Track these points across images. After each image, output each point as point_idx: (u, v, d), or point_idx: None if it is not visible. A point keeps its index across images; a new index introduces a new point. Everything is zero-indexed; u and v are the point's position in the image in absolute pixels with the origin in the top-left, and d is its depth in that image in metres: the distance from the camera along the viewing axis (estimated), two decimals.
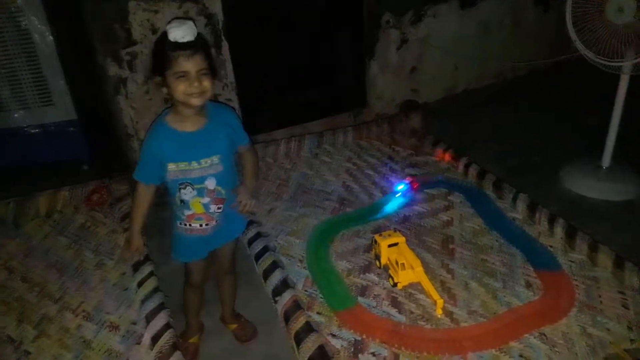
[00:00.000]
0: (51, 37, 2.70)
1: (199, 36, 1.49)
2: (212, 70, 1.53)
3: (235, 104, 2.98)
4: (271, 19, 2.98)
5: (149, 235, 1.92)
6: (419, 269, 1.82)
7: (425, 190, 2.44)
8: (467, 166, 2.56)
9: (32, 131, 2.89)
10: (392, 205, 2.34)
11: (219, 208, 1.64)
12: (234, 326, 1.91)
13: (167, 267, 1.98)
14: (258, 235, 2.10)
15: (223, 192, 1.63)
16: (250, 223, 2.13)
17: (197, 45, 1.47)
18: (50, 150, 2.93)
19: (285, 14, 3.03)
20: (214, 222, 1.65)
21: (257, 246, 2.04)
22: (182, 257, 1.70)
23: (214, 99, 1.87)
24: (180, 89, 1.46)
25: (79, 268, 1.98)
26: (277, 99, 3.20)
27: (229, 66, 2.88)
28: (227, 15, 2.79)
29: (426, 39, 3.47)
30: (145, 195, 1.63)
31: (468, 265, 1.95)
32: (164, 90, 1.54)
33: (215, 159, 1.60)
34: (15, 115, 2.84)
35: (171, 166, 1.56)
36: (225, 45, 2.83)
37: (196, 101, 1.50)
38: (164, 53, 1.46)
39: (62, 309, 1.80)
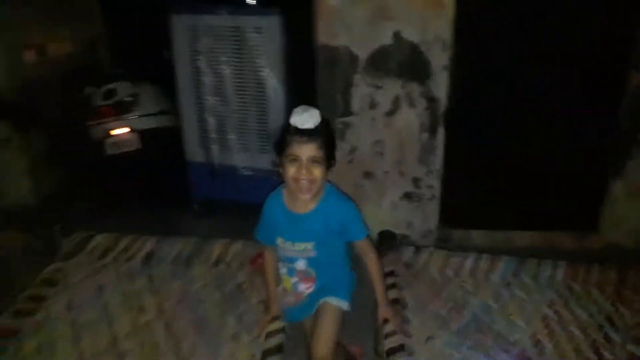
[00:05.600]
0: (283, 94, 2.86)
1: (321, 125, 1.54)
2: (328, 161, 1.58)
3: (436, 191, 2.73)
4: (499, 111, 2.62)
5: None
6: None
7: None
8: None
9: (247, 173, 3.08)
10: None
11: (308, 287, 1.73)
12: None
13: None
14: None
15: (313, 273, 1.71)
16: (399, 350, 1.82)
17: (315, 134, 1.52)
18: (257, 194, 3.08)
19: (519, 107, 2.63)
20: (302, 299, 1.75)
21: None
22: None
23: (339, 189, 1.76)
24: (290, 172, 1.56)
25: (216, 333, 1.91)
26: (484, 195, 2.80)
27: (439, 153, 2.65)
28: (451, 101, 2.56)
29: None
30: (269, 259, 1.80)
31: None
32: (280, 170, 1.61)
33: (309, 245, 1.65)
34: (237, 156, 3.07)
35: (278, 239, 1.70)
36: (440, 132, 2.59)
37: (302, 191, 1.56)
38: (284, 135, 1.56)
39: None
